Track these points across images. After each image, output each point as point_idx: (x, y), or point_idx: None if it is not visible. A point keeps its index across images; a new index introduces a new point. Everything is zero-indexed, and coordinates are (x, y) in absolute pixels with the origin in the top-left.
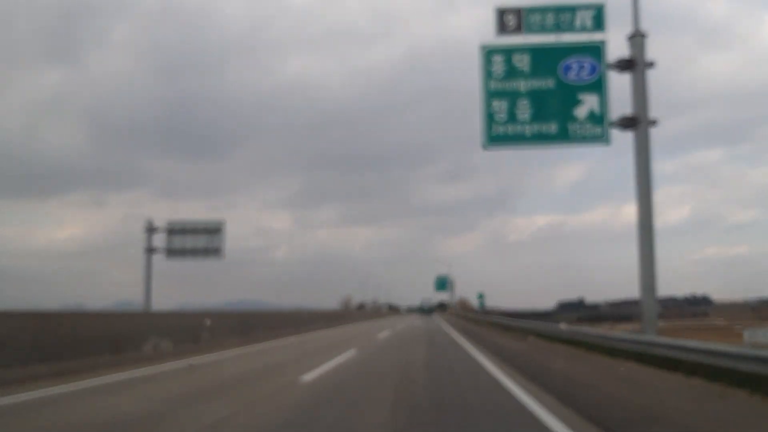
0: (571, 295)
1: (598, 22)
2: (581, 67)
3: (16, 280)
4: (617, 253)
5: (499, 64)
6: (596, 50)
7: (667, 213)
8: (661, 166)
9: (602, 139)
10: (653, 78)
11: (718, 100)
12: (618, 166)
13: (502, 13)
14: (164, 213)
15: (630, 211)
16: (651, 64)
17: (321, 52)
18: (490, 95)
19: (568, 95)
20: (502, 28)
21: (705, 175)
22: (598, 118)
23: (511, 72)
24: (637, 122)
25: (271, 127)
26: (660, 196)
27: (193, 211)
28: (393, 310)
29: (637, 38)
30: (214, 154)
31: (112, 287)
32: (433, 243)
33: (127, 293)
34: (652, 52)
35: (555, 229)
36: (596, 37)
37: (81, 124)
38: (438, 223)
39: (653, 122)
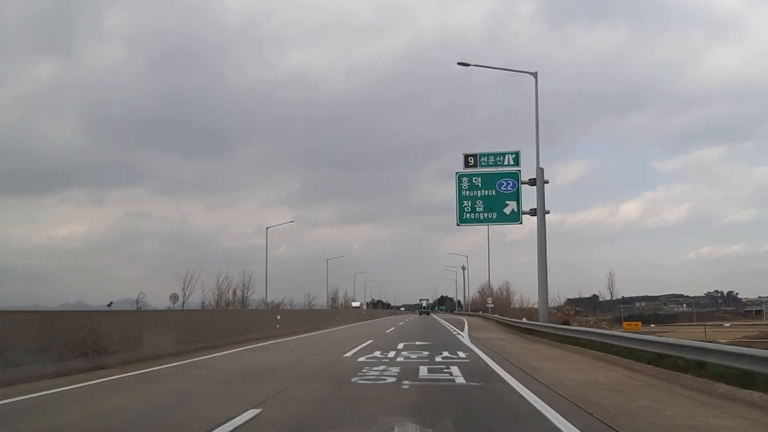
0: (574, 292)
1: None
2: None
3: (15, 279)
4: (615, 252)
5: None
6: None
7: (666, 212)
8: (661, 165)
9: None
10: (657, 72)
11: (722, 95)
12: (617, 165)
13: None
14: (163, 211)
15: (628, 211)
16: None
17: (322, 45)
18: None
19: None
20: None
21: (705, 173)
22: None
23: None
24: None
25: (272, 122)
26: (659, 194)
27: (193, 209)
28: (378, 309)
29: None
30: (214, 150)
31: (113, 285)
32: (432, 241)
33: (129, 292)
34: (654, 50)
35: (555, 227)
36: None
37: (77, 118)
38: (438, 221)
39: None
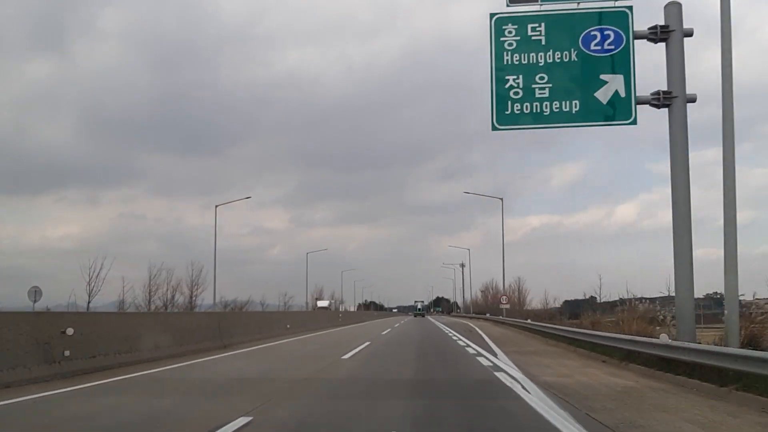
0: (573, 294)
1: None
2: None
3: (9, 279)
4: (610, 254)
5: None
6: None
7: (662, 214)
8: (657, 167)
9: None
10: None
11: (720, 96)
12: (612, 166)
13: None
14: (158, 211)
15: (624, 213)
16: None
17: (319, 45)
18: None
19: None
20: None
21: (701, 174)
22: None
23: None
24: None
25: (268, 122)
26: (655, 196)
27: (188, 209)
28: (364, 311)
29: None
30: (209, 150)
31: (108, 287)
32: (428, 242)
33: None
34: (650, 49)
35: (551, 229)
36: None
37: (71, 118)
38: (433, 221)
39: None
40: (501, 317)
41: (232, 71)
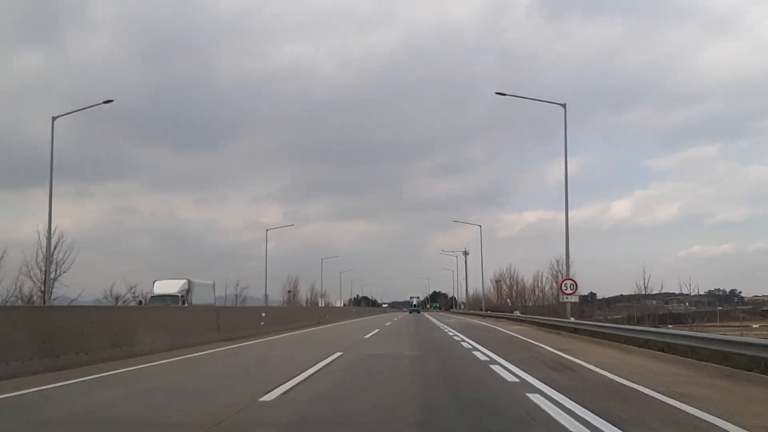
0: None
1: None
2: None
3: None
4: (607, 250)
5: None
6: None
7: (658, 210)
8: (653, 163)
9: None
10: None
11: (718, 92)
12: (610, 162)
13: None
14: (152, 206)
15: (620, 209)
16: None
17: (315, 38)
18: None
19: None
20: None
21: (697, 171)
22: None
23: None
24: None
25: (263, 116)
26: (651, 192)
27: (182, 204)
28: (322, 307)
29: None
30: (204, 144)
31: (101, 280)
32: (424, 238)
33: (116, 287)
34: (649, 46)
35: (546, 225)
36: None
37: (63, 111)
38: (430, 218)
39: None
40: (572, 320)
41: (227, 64)
